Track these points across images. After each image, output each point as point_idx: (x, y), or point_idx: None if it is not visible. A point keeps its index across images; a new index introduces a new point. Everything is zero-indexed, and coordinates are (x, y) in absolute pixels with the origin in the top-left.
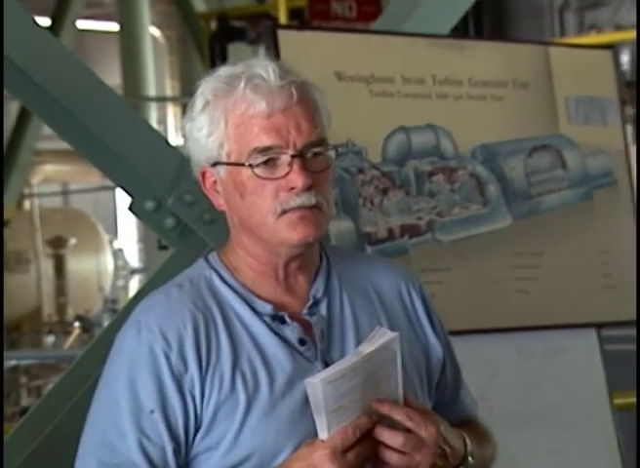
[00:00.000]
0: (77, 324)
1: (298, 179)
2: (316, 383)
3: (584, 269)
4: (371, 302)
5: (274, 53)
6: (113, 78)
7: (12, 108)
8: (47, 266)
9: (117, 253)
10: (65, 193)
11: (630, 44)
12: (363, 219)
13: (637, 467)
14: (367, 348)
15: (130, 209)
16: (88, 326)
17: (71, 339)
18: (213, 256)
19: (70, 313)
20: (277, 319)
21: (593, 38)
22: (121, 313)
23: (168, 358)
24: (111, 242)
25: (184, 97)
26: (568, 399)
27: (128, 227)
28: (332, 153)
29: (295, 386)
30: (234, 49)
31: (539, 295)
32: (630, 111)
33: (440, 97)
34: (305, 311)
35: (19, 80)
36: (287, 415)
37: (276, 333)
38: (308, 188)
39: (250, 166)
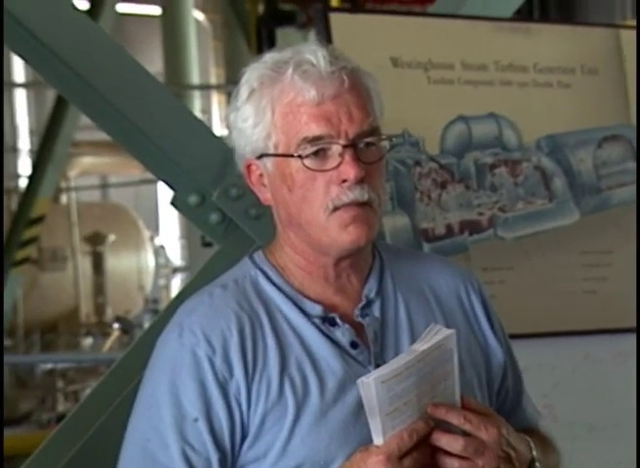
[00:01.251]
0: (116, 325)
1: (350, 171)
2: (370, 382)
3: None
4: (427, 303)
5: (326, 38)
6: (155, 65)
7: (48, 97)
8: (84, 264)
9: (158, 251)
10: (104, 187)
11: None
12: (420, 215)
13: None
14: (421, 346)
15: (172, 203)
16: (128, 327)
17: (110, 342)
18: (258, 255)
19: (109, 313)
20: (327, 321)
21: None
22: (163, 314)
23: (212, 363)
24: (152, 238)
25: (229, 85)
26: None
27: (170, 223)
28: (385, 144)
29: (347, 391)
30: (283, 34)
31: (608, 296)
32: None
33: (503, 85)
34: (357, 312)
35: (55, 67)
36: (339, 422)
37: (327, 336)
38: (361, 181)
39: (299, 157)
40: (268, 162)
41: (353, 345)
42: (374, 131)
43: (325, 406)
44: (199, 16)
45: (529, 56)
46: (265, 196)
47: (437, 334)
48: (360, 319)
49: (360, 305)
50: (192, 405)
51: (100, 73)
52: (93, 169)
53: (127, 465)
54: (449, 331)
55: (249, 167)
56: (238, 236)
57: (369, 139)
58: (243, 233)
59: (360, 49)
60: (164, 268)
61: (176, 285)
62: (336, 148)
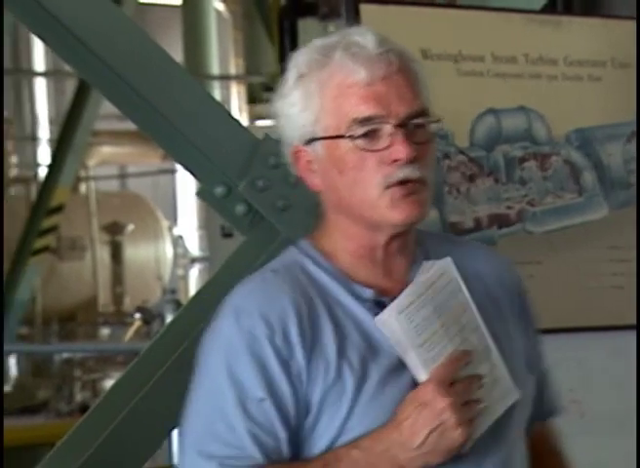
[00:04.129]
0: (138, 315)
1: (401, 150)
2: (387, 317)
3: None
4: (473, 290)
5: None
6: (175, 54)
7: (69, 86)
8: (103, 253)
9: (177, 241)
10: (123, 176)
11: None
12: (449, 208)
13: (637, 466)
14: (423, 276)
15: (198, 194)
16: (149, 317)
17: (132, 331)
18: (304, 243)
19: (127, 303)
20: (378, 304)
21: None
22: (189, 305)
23: (272, 343)
24: (171, 228)
25: (249, 76)
26: (634, 404)
27: (188, 213)
28: (435, 126)
29: (401, 372)
30: (304, 25)
31: (635, 291)
32: None
33: (533, 78)
34: None
35: (80, 54)
36: (394, 401)
37: None
38: (412, 160)
39: (350, 137)
40: (318, 146)
41: None
42: (423, 112)
43: (382, 386)
44: (219, 6)
45: (559, 48)
46: (314, 182)
47: (435, 265)
48: None
49: None
50: (256, 386)
51: (127, 60)
52: (112, 158)
53: (192, 449)
54: (444, 261)
55: (297, 153)
56: (264, 228)
57: (419, 121)
58: (269, 225)
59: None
60: (182, 258)
61: (194, 275)
62: (386, 128)
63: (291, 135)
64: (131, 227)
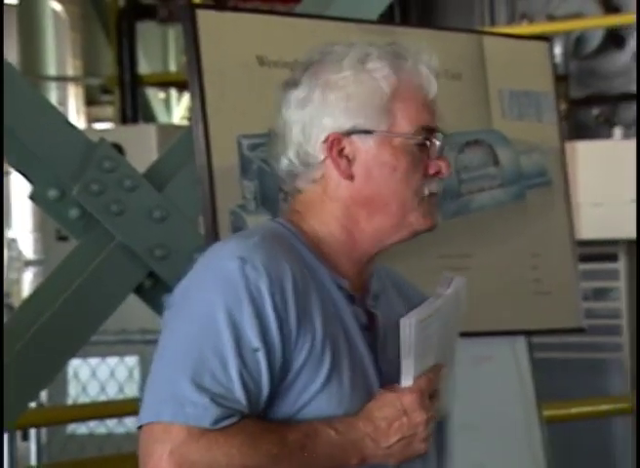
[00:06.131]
0: None
1: (445, 165)
2: (412, 322)
3: (515, 273)
4: (399, 302)
5: (192, 34)
6: (10, 55)
7: None
8: None
9: (10, 244)
10: None
11: (563, 36)
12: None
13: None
14: (446, 290)
15: (31, 197)
16: None
17: None
18: (283, 222)
19: None
20: (349, 298)
21: (525, 28)
22: (20, 308)
23: (273, 299)
24: (3, 230)
25: (87, 78)
26: (494, 410)
27: (22, 215)
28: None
29: (369, 366)
30: (143, 28)
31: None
32: (563, 106)
33: None
34: (371, 302)
35: None
36: (363, 391)
37: (351, 310)
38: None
39: (426, 140)
40: (369, 139)
41: (366, 328)
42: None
43: (353, 373)
44: (56, 6)
45: None
46: (348, 170)
47: (453, 282)
48: (373, 309)
49: (371, 296)
50: (254, 336)
51: None
52: None
53: (184, 373)
54: (463, 280)
55: (333, 140)
56: (98, 232)
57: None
58: (103, 229)
59: (226, 46)
60: (16, 261)
61: (28, 279)
62: (436, 142)
63: (333, 122)
64: None
